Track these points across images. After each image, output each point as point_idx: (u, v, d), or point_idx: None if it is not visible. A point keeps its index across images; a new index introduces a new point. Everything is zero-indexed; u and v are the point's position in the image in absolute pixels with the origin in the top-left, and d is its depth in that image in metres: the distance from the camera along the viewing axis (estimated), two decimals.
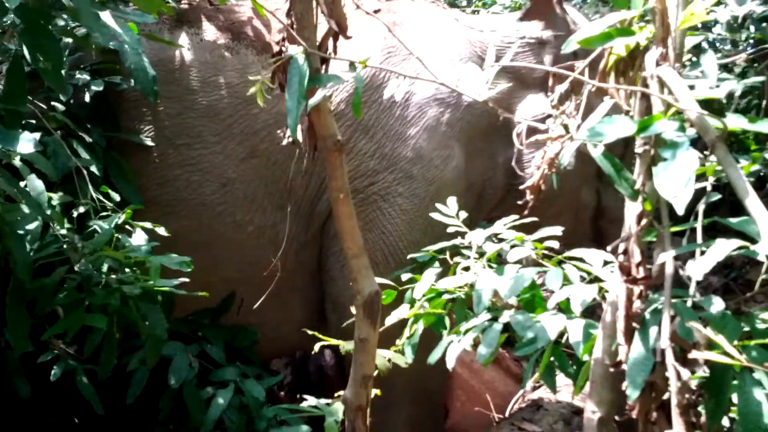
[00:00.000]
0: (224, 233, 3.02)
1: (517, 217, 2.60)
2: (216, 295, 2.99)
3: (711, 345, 1.39)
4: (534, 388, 4.29)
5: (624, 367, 1.51)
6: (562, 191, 3.11)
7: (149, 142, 3.01)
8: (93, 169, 2.64)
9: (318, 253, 3.23)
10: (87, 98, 2.77)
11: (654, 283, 1.52)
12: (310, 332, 2.43)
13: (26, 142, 1.70)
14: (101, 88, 2.81)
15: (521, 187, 1.74)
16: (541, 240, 2.38)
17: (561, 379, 3.94)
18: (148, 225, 2.62)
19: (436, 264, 2.86)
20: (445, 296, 2.43)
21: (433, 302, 2.43)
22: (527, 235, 2.41)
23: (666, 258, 1.44)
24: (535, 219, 2.60)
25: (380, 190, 3.13)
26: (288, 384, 4.31)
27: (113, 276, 2.33)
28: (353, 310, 2.37)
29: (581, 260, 2.19)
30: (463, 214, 2.75)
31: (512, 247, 2.37)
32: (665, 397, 1.52)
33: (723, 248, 1.35)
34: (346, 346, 2.40)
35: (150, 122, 3.06)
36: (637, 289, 1.53)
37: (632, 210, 1.55)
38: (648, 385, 1.49)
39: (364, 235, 3.10)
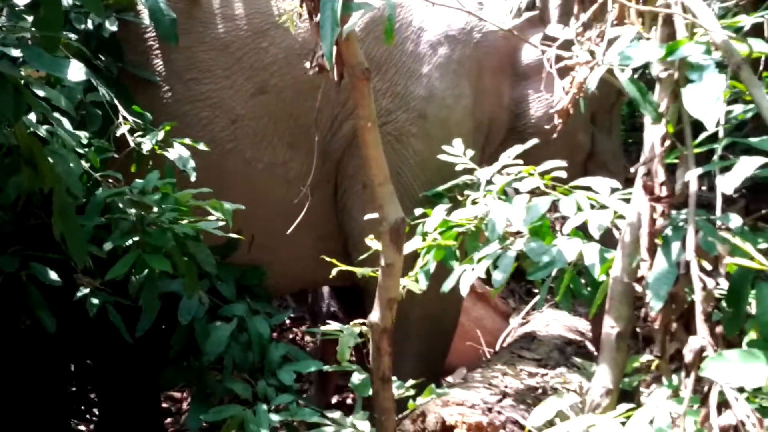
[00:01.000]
0: (234, 171, 3.04)
1: (520, 147, 2.67)
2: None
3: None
4: (521, 324, 4.43)
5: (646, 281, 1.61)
6: (561, 132, 3.18)
7: (156, 79, 2.98)
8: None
9: (332, 192, 3.26)
10: (109, 30, 2.74)
11: (676, 201, 1.61)
12: (327, 259, 2.48)
13: (77, 70, 1.71)
14: (115, 28, 2.79)
15: (551, 110, 1.79)
16: (547, 172, 2.46)
17: (546, 316, 4.09)
18: (187, 141, 2.67)
19: (445, 200, 2.94)
20: (456, 229, 2.51)
21: (445, 235, 2.50)
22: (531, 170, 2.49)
23: (691, 176, 1.51)
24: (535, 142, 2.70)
25: (394, 131, 3.15)
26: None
27: (165, 215, 2.38)
28: (369, 242, 2.45)
29: (588, 189, 2.27)
30: (470, 152, 2.82)
31: (521, 178, 2.45)
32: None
33: (749, 165, 1.43)
34: (360, 271, 2.47)
35: (157, 56, 3.02)
36: (659, 208, 1.61)
37: (655, 132, 1.62)
38: (669, 298, 1.58)
39: None
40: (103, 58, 2.83)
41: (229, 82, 3.06)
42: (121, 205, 2.39)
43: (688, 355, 1.47)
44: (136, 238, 2.39)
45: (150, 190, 2.45)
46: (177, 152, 2.59)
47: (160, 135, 2.60)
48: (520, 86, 3.34)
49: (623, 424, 1.61)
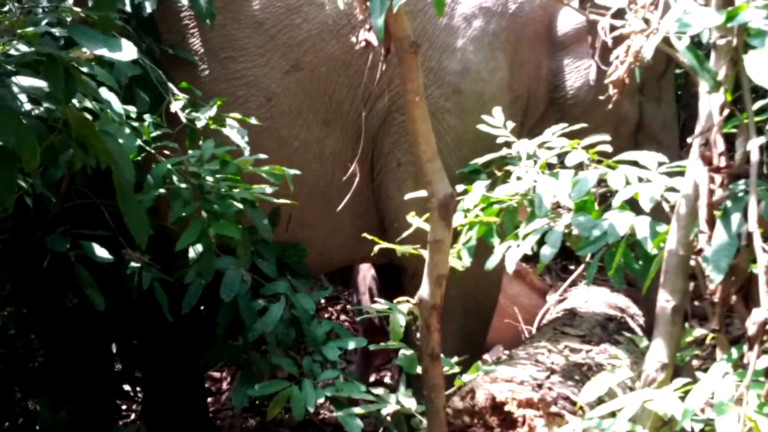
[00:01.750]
0: (270, 148, 3.05)
1: (566, 125, 2.64)
2: (267, 209, 3.03)
3: None
4: (558, 301, 4.41)
5: (705, 254, 1.58)
6: (603, 103, 3.12)
7: (193, 58, 3.01)
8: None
9: (369, 170, 3.25)
10: (148, 10, 2.75)
11: (736, 171, 1.57)
12: (369, 237, 2.48)
13: (130, 49, 1.72)
14: (154, 6, 2.79)
15: (606, 81, 1.76)
16: (591, 146, 2.43)
17: (584, 293, 4.05)
18: (238, 116, 2.71)
19: (483, 176, 2.92)
20: (497, 206, 2.49)
21: (486, 211, 2.48)
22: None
23: (753, 145, 1.48)
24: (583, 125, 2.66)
25: (428, 107, 3.12)
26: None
27: (224, 183, 2.41)
28: (410, 219, 2.45)
29: (635, 163, 2.24)
30: (511, 124, 2.79)
31: (565, 153, 2.43)
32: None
33: None
34: (401, 248, 2.47)
35: (193, 36, 3.05)
36: (718, 179, 1.58)
37: (713, 101, 1.59)
38: (729, 270, 1.55)
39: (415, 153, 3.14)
40: (144, 38, 2.84)
41: (263, 60, 3.07)
42: (176, 178, 2.41)
43: (751, 328, 1.45)
44: (196, 207, 2.43)
45: (207, 159, 2.48)
46: (233, 127, 2.61)
47: (213, 110, 2.62)
48: (558, 57, 3.30)
49: (681, 399, 1.60)
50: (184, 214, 2.42)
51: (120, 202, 2.05)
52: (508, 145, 2.74)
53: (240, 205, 2.47)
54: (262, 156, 2.61)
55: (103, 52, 1.74)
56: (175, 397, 3.56)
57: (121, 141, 2.06)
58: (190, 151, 2.54)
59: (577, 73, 3.24)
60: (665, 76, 3.38)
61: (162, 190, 2.44)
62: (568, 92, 3.26)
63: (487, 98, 3.13)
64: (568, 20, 3.21)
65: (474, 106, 3.10)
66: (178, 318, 2.79)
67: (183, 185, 2.44)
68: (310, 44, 3.07)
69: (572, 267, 5.08)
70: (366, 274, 4.22)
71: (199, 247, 2.52)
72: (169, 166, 2.45)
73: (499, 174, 2.83)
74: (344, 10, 3.06)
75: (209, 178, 2.46)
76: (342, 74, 3.08)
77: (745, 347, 1.48)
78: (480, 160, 2.90)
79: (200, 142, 2.66)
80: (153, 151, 2.49)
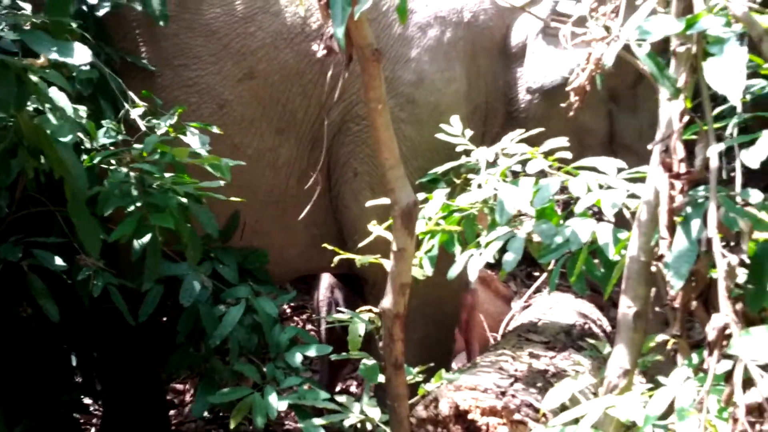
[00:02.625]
0: (222, 156, 3.01)
1: (522, 130, 2.65)
2: (217, 219, 3.00)
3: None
4: (523, 308, 4.42)
5: (666, 260, 1.58)
6: (553, 113, 3.12)
7: (148, 65, 3.00)
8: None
9: (326, 179, 3.23)
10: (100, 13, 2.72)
11: (696, 178, 1.58)
12: (330, 247, 2.46)
13: (82, 53, 1.69)
14: (108, 5, 2.77)
15: (567, 88, 1.77)
16: (550, 152, 2.43)
17: (549, 299, 4.07)
18: (199, 124, 2.69)
19: (442, 184, 2.91)
20: (457, 214, 2.48)
21: (447, 220, 2.48)
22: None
23: (712, 152, 1.49)
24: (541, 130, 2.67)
25: None
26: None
27: (167, 176, 2.37)
28: (370, 227, 2.43)
29: (594, 169, 2.25)
30: (470, 133, 2.78)
31: (525, 160, 2.43)
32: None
33: None
34: (362, 259, 2.46)
35: (147, 43, 3.04)
36: (678, 185, 1.59)
37: (673, 108, 1.60)
38: (690, 276, 1.56)
39: (370, 162, 3.13)
40: (104, 46, 2.82)
41: (216, 68, 3.07)
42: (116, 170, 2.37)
43: (711, 333, 1.45)
44: (138, 203, 2.39)
45: (149, 152, 2.44)
46: (194, 134, 2.58)
47: (174, 118, 2.60)
48: (512, 69, 3.28)
49: (643, 404, 1.60)
50: (129, 208, 2.37)
51: (71, 211, 2.01)
52: (467, 153, 2.73)
53: (183, 199, 2.42)
54: (205, 151, 2.57)
55: (54, 56, 1.70)
56: (137, 410, 3.50)
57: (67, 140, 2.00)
58: (135, 145, 2.50)
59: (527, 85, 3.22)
60: (641, 83, 3.28)
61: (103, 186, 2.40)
62: (521, 105, 3.26)
63: (442, 109, 3.11)
64: (521, 31, 3.22)
65: (429, 117, 3.09)
66: (138, 327, 2.74)
67: (125, 178, 2.40)
68: (264, 53, 3.07)
69: (537, 274, 5.10)
70: (328, 283, 4.20)
71: (145, 243, 2.47)
72: (106, 157, 2.40)
73: (458, 182, 2.83)
74: (298, 19, 3.06)
75: (155, 174, 2.42)
76: (296, 83, 3.08)
77: (706, 352, 1.49)
78: (440, 169, 2.89)
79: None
80: (99, 148, 2.44)
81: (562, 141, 2.46)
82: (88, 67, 2.31)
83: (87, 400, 3.79)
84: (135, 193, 2.36)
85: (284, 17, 3.07)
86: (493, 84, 3.28)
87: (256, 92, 3.09)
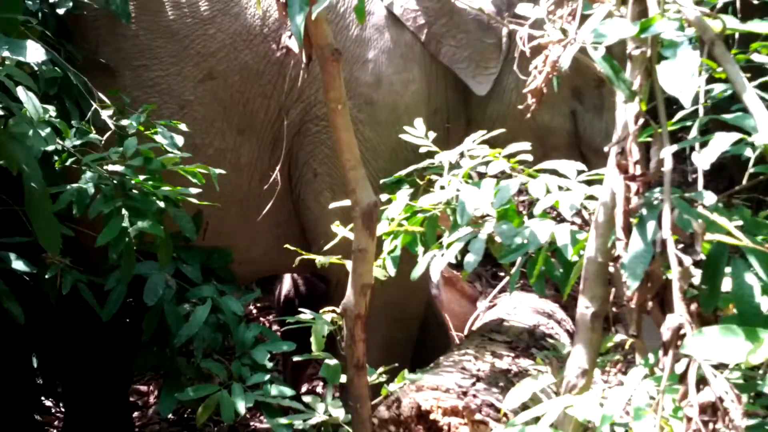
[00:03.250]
0: (183, 157, 3.01)
1: (484, 132, 2.66)
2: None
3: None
4: (488, 308, 4.45)
5: (622, 261, 1.60)
6: (510, 113, 3.13)
7: (110, 64, 3.00)
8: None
9: (287, 179, 3.22)
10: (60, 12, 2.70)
11: (651, 179, 1.60)
12: (292, 248, 2.45)
13: (35, 51, 1.66)
14: (71, 5, 2.74)
15: (524, 90, 1.78)
16: (512, 155, 2.45)
17: (514, 299, 4.10)
18: (168, 122, 2.70)
19: (405, 185, 2.91)
20: (420, 215, 2.49)
21: (410, 221, 2.48)
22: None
23: (666, 154, 1.51)
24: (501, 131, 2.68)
25: None
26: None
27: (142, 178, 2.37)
28: (334, 228, 2.43)
29: (554, 172, 2.27)
30: (432, 134, 2.79)
31: (487, 162, 2.44)
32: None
33: (725, 140, 1.42)
34: (323, 260, 2.45)
35: (107, 44, 3.03)
36: (634, 187, 1.61)
37: (628, 111, 1.61)
38: (645, 277, 1.58)
39: (330, 163, 3.13)
40: (65, 44, 2.80)
41: (177, 69, 3.07)
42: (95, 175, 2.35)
43: (665, 333, 1.47)
44: (117, 204, 2.38)
45: (129, 156, 2.43)
46: (165, 133, 2.57)
47: (143, 117, 2.60)
48: None
49: (601, 404, 1.62)
50: (106, 211, 2.36)
51: (27, 210, 1.99)
52: (430, 155, 2.74)
53: (162, 204, 2.42)
54: (186, 154, 2.57)
55: (6, 53, 1.68)
56: (99, 412, 3.47)
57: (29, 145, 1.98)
58: (112, 149, 2.49)
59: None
60: (605, 84, 3.30)
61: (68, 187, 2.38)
62: (478, 107, 3.27)
63: (401, 110, 3.12)
64: None
65: (388, 118, 3.11)
66: (100, 327, 2.72)
67: (104, 182, 2.39)
68: (224, 54, 3.08)
69: (502, 274, 5.13)
70: (291, 283, 4.19)
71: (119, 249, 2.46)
72: (93, 161, 2.39)
73: (421, 183, 2.84)
74: (258, 20, 3.06)
75: (134, 180, 2.41)
76: (255, 83, 3.08)
77: (661, 352, 1.51)
78: (404, 171, 2.89)
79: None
80: (72, 149, 2.42)
81: (525, 145, 2.47)
82: (50, 66, 2.29)
83: (48, 402, 3.73)
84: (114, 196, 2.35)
85: (244, 19, 3.07)
86: (454, 86, 3.28)
87: (216, 93, 3.10)
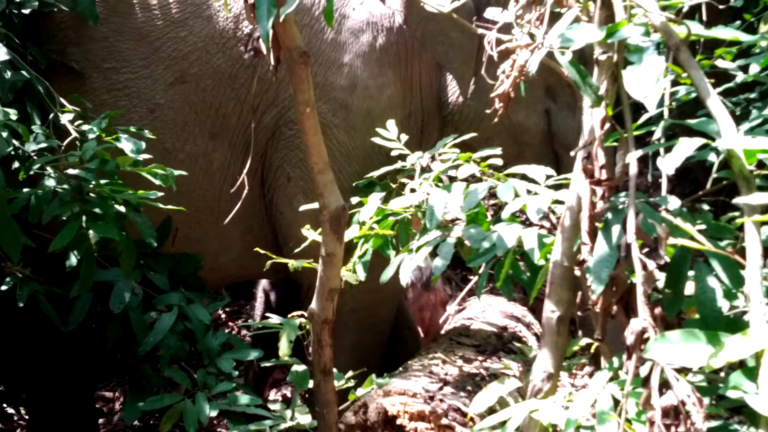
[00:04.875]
0: (153, 161, 2.97)
1: (456, 135, 2.66)
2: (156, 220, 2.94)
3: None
4: (458, 311, 4.45)
5: (588, 265, 1.61)
6: (488, 115, 3.14)
7: (77, 67, 2.94)
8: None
9: (260, 184, 3.20)
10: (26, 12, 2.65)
11: (616, 184, 1.61)
12: (262, 251, 2.43)
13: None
14: (36, 4, 2.69)
15: (492, 95, 1.78)
16: (483, 159, 2.46)
17: (482, 302, 4.11)
18: (132, 129, 2.62)
19: (378, 188, 2.91)
20: (392, 218, 2.48)
21: (381, 224, 2.48)
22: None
23: (631, 159, 1.52)
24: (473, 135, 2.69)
25: None
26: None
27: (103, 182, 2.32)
28: (305, 232, 2.42)
29: (524, 176, 2.27)
30: (405, 137, 2.79)
31: (458, 165, 2.44)
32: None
33: (689, 145, 1.43)
34: (295, 264, 2.44)
35: (77, 45, 2.97)
36: (600, 191, 1.61)
37: (595, 115, 1.62)
38: (610, 281, 1.58)
39: (304, 167, 3.11)
40: (30, 47, 2.75)
41: (147, 72, 3.02)
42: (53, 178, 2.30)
43: (629, 337, 1.47)
44: (75, 208, 2.32)
45: (87, 160, 2.38)
46: (128, 140, 2.52)
47: (105, 122, 2.55)
48: (443, 73, 3.30)
49: (566, 408, 1.62)
50: (63, 217, 2.31)
51: None
52: (402, 158, 2.74)
53: (122, 208, 2.37)
54: (146, 156, 2.52)
55: None
56: (64, 419, 3.40)
57: None
58: (70, 152, 2.44)
59: (458, 88, 3.24)
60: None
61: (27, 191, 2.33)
62: (453, 108, 3.27)
63: (375, 114, 3.12)
64: None
65: (362, 122, 3.10)
66: (65, 333, 2.67)
67: (61, 186, 2.33)
68: (196, 57, 3.04)
69: (472, 277, 5.14)
70: (263, 288, 4.16)
71: (78, 255, 2.41)
72: (46, 163, 2.34)
73: (394, 186, 2.83)
74: (231, 23, 3.03)
75: (93, 182, 2.36)
76: (228, 87, 3.04)
77: (625, 356, 1.51)
78: (377, 173, 2.89)
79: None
80: (32, 153, 2.37)
81: (496, 150, 2.48)
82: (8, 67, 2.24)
83: (10, 410, 3.66)
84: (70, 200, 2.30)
85: (216, 22, 3.04)
86: (428, 89, 3.29)
87: (188, 96, 3.05)
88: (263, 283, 4.18)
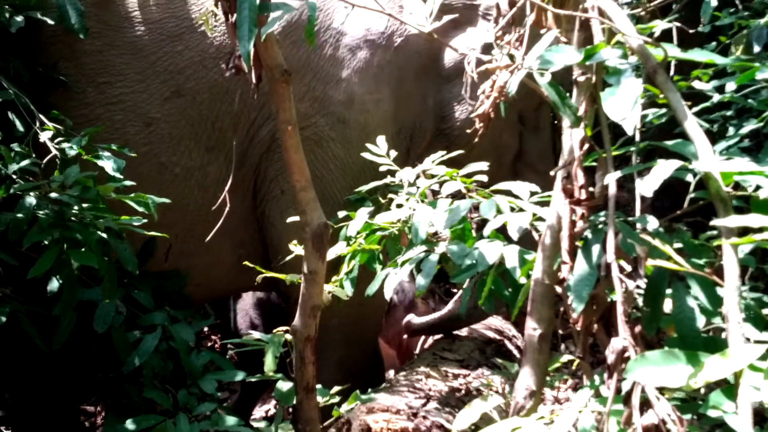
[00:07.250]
0: (149, 175, 2.96)
1: (444, 152, 2.68)
2: (137, 240, 2.94)
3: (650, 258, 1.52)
4: None
5: (568, 283, 1.62)
6: (486, 134, 3.18)
7: (68, 81, 2.92)
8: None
9: (251, 198, 3.20)
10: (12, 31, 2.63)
11: (595, 204, 1.63)
12: (250, 265, 2.44)
13: None
14: (21, 20, 2.68)
15: (472, 115, 1.79)
16: (469, 175, 2.47)
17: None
18: (113, 147, 2.60)
19: (368, 203, 2.93)
20: (379, 233, 2.49)
21: (368, 239, 2.49)
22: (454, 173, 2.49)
23: (610, 179, 1.53)
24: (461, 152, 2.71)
25: (313, 135, 3.12)
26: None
27: (85, 207, 2.30)
28: (292, 246, 2.42)
29: (508, 193, 2.29)
30: (394, 153, 2.80)
31: (443, 182, 2.46)
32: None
33: (667, 167, 1.45)
34: (289, 277, 2.44)
35: (69, 59, 2.96)
36: (579, 211, 1.63)
37: (574, 135, 1.64)
38: (590, 299, 1.60)
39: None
40: (12, 61, 2.73)
41: (143, 86, 3.01)
42: (34, 201, 2.29)
43: (610, 357, 1.49)
44: (55, 234, 2.30)
45: (69, 185, 2.36)
46: (108, 158, 2.51)
47: (84, 140, 2.53)
48: (444, 89, 3.34)
49: (548, 425, 1.63)
50: (45, 242, 2.29)
51: None
52: (391, 173, 2.75)
53: (103, 234, 2.35)
54: (129, 183, 2.51)
55: None
56: None
57: None
58: (53, 177, 2.43)
59: (462, 105, 3.28)
60: (542, 106, 3.45)
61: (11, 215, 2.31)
62: (455, 123, 3.32)
63: (370, 129, 3.14)
64: (454, 54, 3.27)
65: (358, 136, 3.11)
66: (49, 352, 2.65)
67: (43, 211, 2.31)
68: (192, 71, 3.04)
69: (455, 290, 5.15)
70: (248, 303, 4.15)
71: (59, 279, 2.40)
72: (24, 189, 2.32)
73: (383, 201, 2.85)
74: (227, 38, 3.03)
75: (75, 207, 2.34)
76: (224, 101, 3.05)
77: (606, 375, 1.52)
78: (365, 188, 2.90)
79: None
80: (13, 175, 2.36)
81: (482, 165, 2.50)
82: None
83: None
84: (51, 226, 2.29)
85: (213, 37, 3.04)
86: (422, 105, 3.33)
87: (184, 110, 3.05)
88: (247, 297, 4.17)
